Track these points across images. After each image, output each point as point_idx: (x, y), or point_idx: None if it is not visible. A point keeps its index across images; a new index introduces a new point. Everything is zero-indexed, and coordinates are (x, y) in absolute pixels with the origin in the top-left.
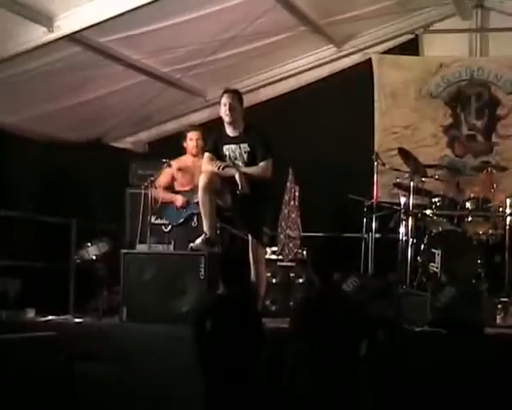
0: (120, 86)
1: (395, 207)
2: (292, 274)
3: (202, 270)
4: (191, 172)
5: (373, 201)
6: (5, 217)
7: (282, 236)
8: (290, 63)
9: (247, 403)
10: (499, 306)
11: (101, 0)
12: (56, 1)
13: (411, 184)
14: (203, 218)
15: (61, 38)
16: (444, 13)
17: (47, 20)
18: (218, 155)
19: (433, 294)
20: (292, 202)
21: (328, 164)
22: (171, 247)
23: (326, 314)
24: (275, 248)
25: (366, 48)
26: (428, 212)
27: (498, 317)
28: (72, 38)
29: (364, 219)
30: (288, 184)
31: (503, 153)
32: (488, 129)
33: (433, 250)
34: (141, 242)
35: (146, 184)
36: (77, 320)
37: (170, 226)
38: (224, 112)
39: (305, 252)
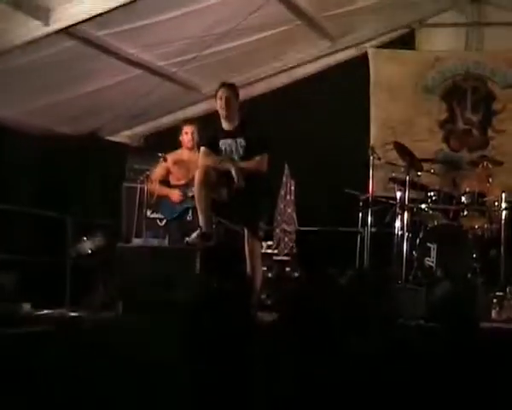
0: (116, 80)
1: (391, 201)
2: (287, 268)
3: (197, 264)
4: (186, 166)
5: (368, 195)
6: (0, 211)
7: (277, 230)
8: (286, 57)
9: (236, 396)
10: (494, 300)
11: None
12: None
13: (407, 178)
14: (199, 212)
15: (56, 32)
16: (440, 7)
17: (43, 14)
18: (214, 150)
19: (428, 288)
20: (288, 197)
21: (323, 158)
22: (167, 241)
23: (319, 308)
24: (270, 243)
25: (362, 42)
26: (424, 206)
27: (494, 311)
28: (68, 31)
29: (360, 214)
30: (284, 178)
31: (499, 147)
32: (484, 123)
33: (429, 245)
34: (136, 236)
35: (142, 178)
36: (72, 314)
37: (165, 220)
38: (220, 106)
39: (300, 246)
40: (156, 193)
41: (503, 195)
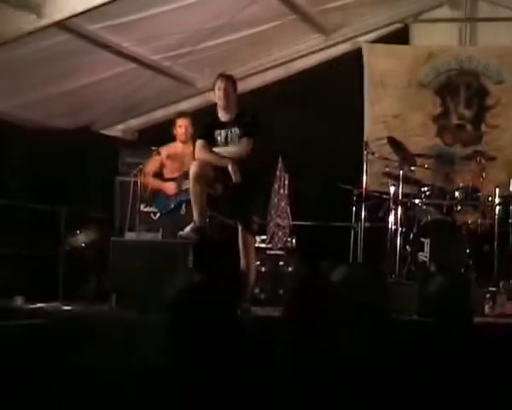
0: (110, 74)
1: (384, 196)
2: (281, 263)
3: (191, 258)
4: (180, 160)
5: (362, 190)
6: None
7: (271, 224)
8: (280, 52)
9: (223, 392)
10: (488, 295)
11: None
12: None
13: (400, 173)
14: (193, 206)
15: (50, 26)
16: (434, 2)
17: (36, 8)
18: (209, 141)
19: (421, 283)
20: (281, 191)
21: (317, 153)
22: (160, 235)
23: (315, 303)
24: (264, 237)
25: (355, 37)
26: (417, 201)
27: (487, 306)
28: (62, 25)
29: (354, 208)
30: (278, 172)
31: (492, 142)
32: (477, 118)
33: (422, 239)
34: (130, 230)
35: (135, 172)
36: (66, 308)
37: (159, 214)
38: (218, 96)
39: (294, 240)
40: (150, 186)
41: (497, 190)
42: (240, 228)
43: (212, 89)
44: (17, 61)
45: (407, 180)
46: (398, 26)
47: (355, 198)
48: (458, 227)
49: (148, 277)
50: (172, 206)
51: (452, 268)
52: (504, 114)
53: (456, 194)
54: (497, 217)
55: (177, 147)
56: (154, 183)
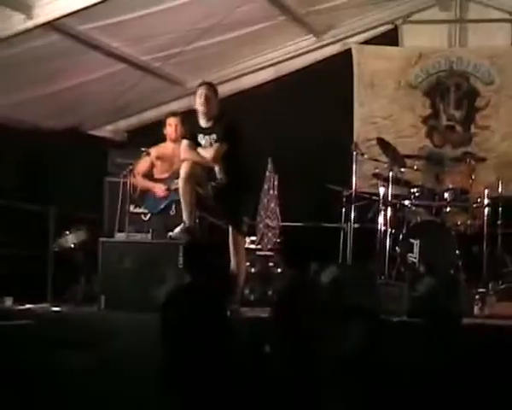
0: (99, 74)
1: (374, 197)
2: (270, 263)
3: (180, 259)
4: (170, 160)
5: (352, 191)
6: None
7: (261, 225)
8: (270, 53)
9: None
10: (477, 296)
11: None
12: None
13: (390, 174)
14: (183, 207)
15: (40, 26)
16: (423, 3)
17: (26, 8)
18: (195, 144)
19: (411, 284)
20: (271, 192)
21: (307, 154)
22: (150, 236)
23: (304, 304)
24: (254, 238)
25: (346, 38)
26: (407, 202)
27: (476, 307)
28: (52, 25)
29: (343, 209)
30: (268, 173)
31: (482, 144)
32: (467, 120)
33: (412, 241)
34: (119, 230)
35: (125, 172)
36: (55, 309)
37: (149, 215)
38: (199, 103)
39: (283, 241)
40: (140, 187)
41: (486, 191)
42: (230, 229)
43: (194, 95)
44: (6, 61)
45: (397, 181)
46: (388, 27)
47: (345, 199)
48: (448, 228)
49: (138, 277)
50: (162, 206)
51: (441, 269)
52: (494, 116)
53: (446, 195)
54: (486, 218)
55: (166, 147)
56: (143, 183)
